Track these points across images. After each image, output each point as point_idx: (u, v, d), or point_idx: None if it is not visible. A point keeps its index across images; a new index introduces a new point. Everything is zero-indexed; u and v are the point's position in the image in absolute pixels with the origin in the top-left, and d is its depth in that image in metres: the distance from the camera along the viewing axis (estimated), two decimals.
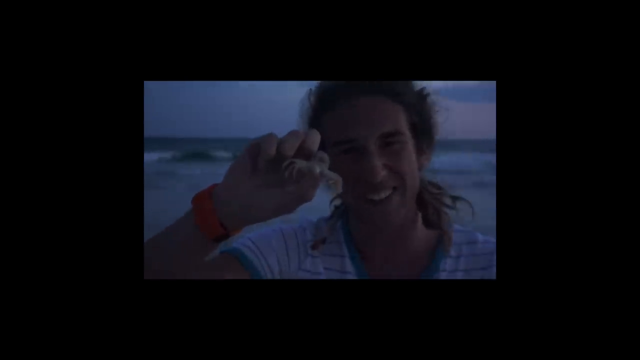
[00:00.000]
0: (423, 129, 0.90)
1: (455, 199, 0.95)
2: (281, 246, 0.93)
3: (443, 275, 0.89)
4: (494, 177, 0.68)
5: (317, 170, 0.60)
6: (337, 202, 0.98)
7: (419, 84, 0.90)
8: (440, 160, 0.96)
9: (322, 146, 0.79)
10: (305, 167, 0.60)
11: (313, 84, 0.90)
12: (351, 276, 0.92)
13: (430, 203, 0.94)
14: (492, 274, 0.88)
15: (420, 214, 0.93)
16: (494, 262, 0.88)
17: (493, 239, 0.93)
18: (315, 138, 0.61)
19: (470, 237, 0.93)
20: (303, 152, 0.61)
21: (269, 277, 0.89)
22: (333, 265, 0.94)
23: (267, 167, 0.61)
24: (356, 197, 0.85)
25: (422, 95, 0.90)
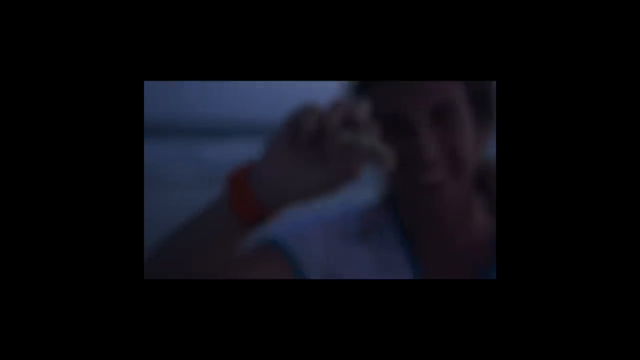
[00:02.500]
0: (484, 99, 0.77)
1: None
2: (323, 236, 0.84)
3: None
4: None
5: (366, 143, 0.53)
6: (384, 186, 0.89)
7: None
8: None
9: None
10: (351, 140, 0.53)
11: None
12: (402, 268, 0.83)
13: (493, 188, 0.84)
14: None
15: (478, 201, 0.84)
16: None
17: None
18: (364, 108, 0.55)
19: None
20: (349, 124, 0.54)
21: (311, 270, 0.81)
22: (381, 255, 0.85)
23: (310, 142, 0.55)
24: (404, 181, 0.76)
25: None
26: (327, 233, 0.85)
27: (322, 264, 0.82)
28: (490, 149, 0.81)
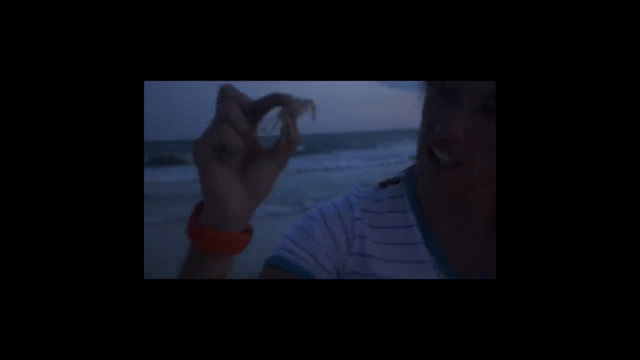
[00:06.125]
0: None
1: None
2: (326, 235, 0.81)
3: None
4: None
5: (284, 123, 0.56)
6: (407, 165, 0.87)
7: None
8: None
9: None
10: (271, 128, 0.57)
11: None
12: (421, 246, 0.80)
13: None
14: None
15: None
16: None
17: None
18: (247, 100, 0.56)
19: None
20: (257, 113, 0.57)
21: (324, 276, 0.78)
22: (396, 239, 0.81)
23: (236, 155, 0.56)
24: (423, 146, 0.74)
25: None
26: (328, 231, 0.81)
27: (332, 267, 0.79)
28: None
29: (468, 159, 0.71)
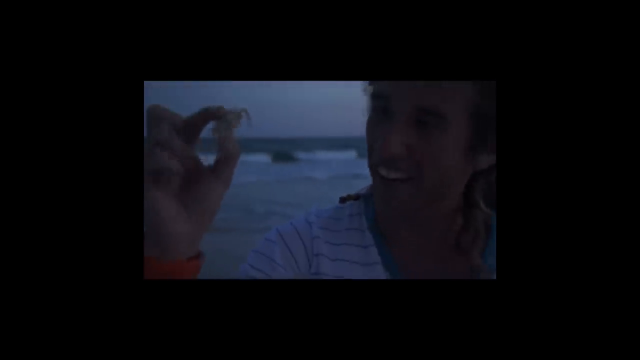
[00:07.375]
0: (491, 118, 0.69)
1: None
2: (286, 255, 0.80)
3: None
4: None
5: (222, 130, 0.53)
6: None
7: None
8: None
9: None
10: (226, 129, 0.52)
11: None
12: (379, 267, 0.79)
13: (473, 224, 0.81)
14: None
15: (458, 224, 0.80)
16: None
17: None
18: (178, 117, 0.52)
19: None
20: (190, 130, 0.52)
21: None
22: (353, 257, 0.80)
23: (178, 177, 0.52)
24: (370, 165, 0.76)
25: None
26: (288, 252, 0.80)
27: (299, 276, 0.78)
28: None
29: (415, 172, 0.72)
